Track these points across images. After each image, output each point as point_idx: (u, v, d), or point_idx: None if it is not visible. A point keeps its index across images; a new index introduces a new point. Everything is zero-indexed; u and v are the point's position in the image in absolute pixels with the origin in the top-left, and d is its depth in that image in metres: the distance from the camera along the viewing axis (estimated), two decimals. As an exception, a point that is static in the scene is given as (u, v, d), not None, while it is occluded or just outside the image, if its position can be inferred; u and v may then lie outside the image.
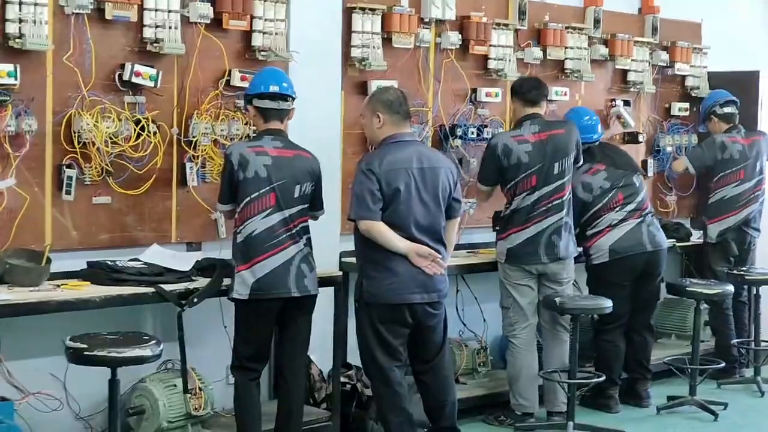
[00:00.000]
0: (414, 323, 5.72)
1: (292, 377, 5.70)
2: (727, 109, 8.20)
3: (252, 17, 6.17)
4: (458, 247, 7.06)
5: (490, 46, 7.41)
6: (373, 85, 6.73)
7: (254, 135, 5.85)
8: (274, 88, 5.60)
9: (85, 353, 4.72)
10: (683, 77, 8.93)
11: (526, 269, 6.66)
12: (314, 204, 5.70)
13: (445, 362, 5.94)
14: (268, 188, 5.47)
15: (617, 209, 7.09)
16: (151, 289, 5.42)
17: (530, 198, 6.58)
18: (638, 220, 7.15)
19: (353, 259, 6.62)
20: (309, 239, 5.65)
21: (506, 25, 7.48)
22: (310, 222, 5.71)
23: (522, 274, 6.67)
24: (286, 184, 5.50)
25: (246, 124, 6.14)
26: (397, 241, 5.61)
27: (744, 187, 8.09)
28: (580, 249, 7.03)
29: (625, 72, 8.43)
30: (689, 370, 7.34)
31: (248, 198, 5.46)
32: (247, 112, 5.79)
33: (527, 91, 6.71)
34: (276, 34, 6.25)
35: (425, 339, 5.82)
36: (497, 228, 7.16)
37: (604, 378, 6.82)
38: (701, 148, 8.29)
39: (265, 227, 5.47)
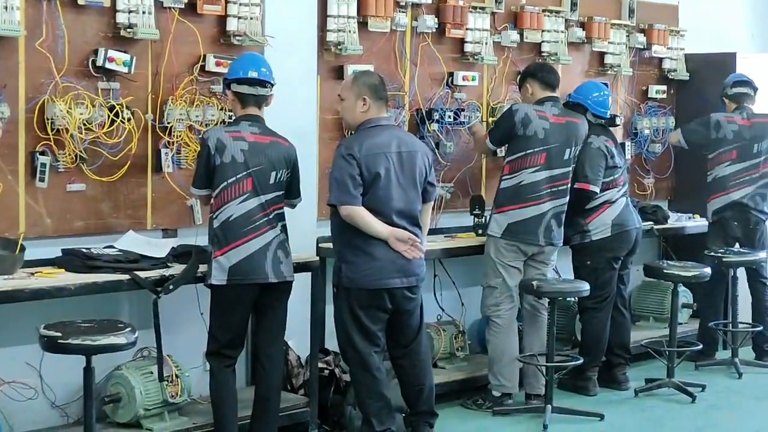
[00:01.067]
0: (393, 308, 5.71)
1: (269, 363, 5.68)
2: (737, 90, 8.19)
3: (227, 2, 6.13)
4: (436, 231, 7.07)
5: (467, 29, 7.38)
6: (349, 69, 6.70)
7: (231, 120, 5.82)
8: (252, 74, 5.57)
9: (59, 341, 4.69)
10: (660, 60, 8.94)
11: (521, 249, 6.67)
12: (291, 191, 5.68)
13: (423, 347, 5.94)
14: (245, 173, 5.44)
15: (619, 188, 7.17)
16: (126, 277, 5.39)
17: (538, 175, 6.64)
18: (625, 198, 7.26)
19: (330, 245, 6.61)
20: (284, 226, 5.64)
21: (483, 8, 7.45)
22: (287, 210, 5.69)
23: (515, 255, 6.69)
24: (262, 170, 5.49)
25: (221, 109, 6.11)
26: (377, 226, 5.59)
27: (735, 168, 8.08)
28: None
29: (602, 54, 8.43)
30: (667, 352, 7.37)
31: (225, 183, 5.44)
32: (225, 96, 5.78)
33: (547, 74, 6.87)
34: (251, 18, 6.20)
35: (403, 323, 5.81)
36: (476, 212, 7.18)
37: (581, 361, 6.84)
38: (695, 124, 8.29)
39: (242, 212, 5.45)
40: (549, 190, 6.67)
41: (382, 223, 5.60)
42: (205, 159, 5.48)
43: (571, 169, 6.79)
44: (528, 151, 6.65)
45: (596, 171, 7.02)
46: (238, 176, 5.44)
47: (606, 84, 8.34)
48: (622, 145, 8.57)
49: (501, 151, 7.15)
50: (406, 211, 5.68)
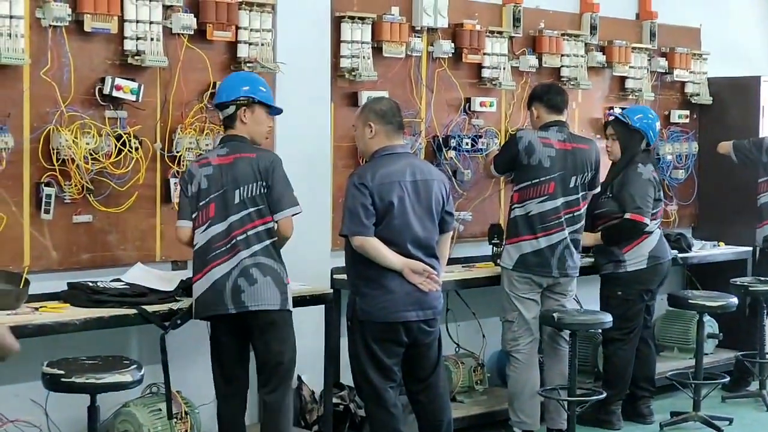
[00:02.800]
0: (409, 341, 5.54)
1: (269, 400, 5.41)
2: None
3: (237, 28, 6.02)
4: (453, 261, 6.90)
5: (484, 54, 7.26)
6: (364, 96, 6.58)
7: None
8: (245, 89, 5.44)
9: (63, 379, 4.58)
10: (683, 84, 8.79)
11: (534, 281, 6.49)
12: (272, 204, 5.33)
13: (440, 380, 5.76)
14: (207, 200, 5.27)
15: (658, 219, 7.06)
16: (133, 311, 5.25)
17: (547, 205, 6.44)
18: (661, 230, 7.13)
19: (345, 276, 6.48)
20: (263, 249, 5.30)
21: (500, 32, 7.33)
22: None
23: (529, 287, 6.51)
24: (223, 193, 5.27)
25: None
26: (391, 257, 5.43)
27: None
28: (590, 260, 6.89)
29: (623, 79, 8.29)
30: (693, 384, 7.17)
31: (195, 213, 5.30)
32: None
33: (554, 96, 6.62)
34: (262, 44, 6.09)
35: (420, 357, 5.64)
36: (495, 241, 7.01)
37: (604, 395, 6.65)
38: (749, 143, 8.13)
39: (203, 241, 5.28)
40: (558, 220, 6.47)
41: (395, 254, 5.44)
42: (181, 191, 5.40)
43: (581, 195, 6.56)
44: (534, 181, 6.45)
45: (647, 202, 6.87)
46: (200, 204, 5.28)
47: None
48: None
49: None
50: (421, 242, 5.51)
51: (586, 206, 6.65)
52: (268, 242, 5.31)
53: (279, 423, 5.39)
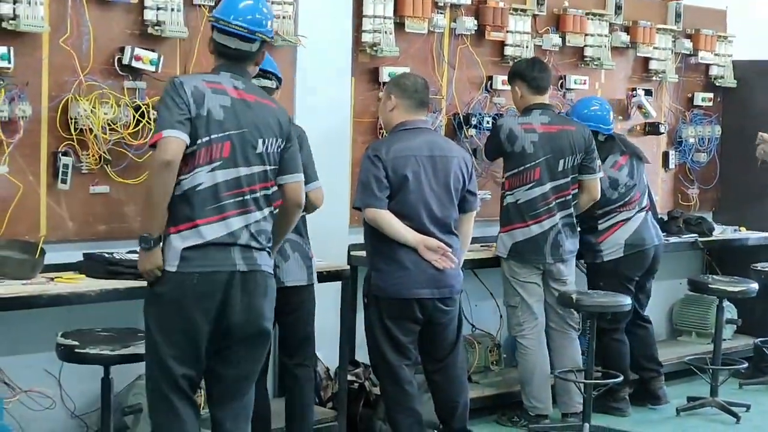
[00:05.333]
0: (424, 319, 5.50)
1: (299, 373, 5.46)
2: None
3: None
4: (471, 240, 6.82)
5: (507, 32, 7.17)
6: (385, 71, 6.54)
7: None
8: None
9: (76, 350, 4.52)
10: (707, 66, 8.68)
11: (533, 265, 6.42)
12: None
13: (458, 361, 5.72)
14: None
15: (635, 207, 6.88)
16: (148, 283, 5.20)
17: (534, 191, 6.35)
18: (644, 214, 6.99)
19: (362, 253, 6.42)
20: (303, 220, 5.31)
21: (524, 10, 7.24)
22: (319, 211, 5.39)
23: (529, 270, 6.44)
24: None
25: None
26: (404, 232, 5.38)
27: None
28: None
29: (646, 60, 8.19)
30: (710, 370, 7.11)
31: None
32: None
33: (538, 74, 6.47)
34: (283, 17, 6.01)
35: (436, 336, 5.59)
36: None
37: (621, 378, 6.59)
38: None
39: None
40: (548, 206, 6.38)
41: (410, 229, 5.39)
42: None
43: (570, 179, 6.44)
44: (520, 168, 6.35)
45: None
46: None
47: (650, 91, 8.17)
48: (666, 154, 8.41)
49: None
50: (437, 218, 5.46)
51: (577, 189, 6.52)
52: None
53: (306, 395, 5.47)
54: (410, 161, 5.39)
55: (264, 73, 5.28)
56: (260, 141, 4.34)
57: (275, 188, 4.46)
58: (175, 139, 4.17)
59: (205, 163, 4.24)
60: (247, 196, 4.32)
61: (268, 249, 4.42)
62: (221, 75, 4.39)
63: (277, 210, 4.52)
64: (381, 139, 5.75)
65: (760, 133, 7.97)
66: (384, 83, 6.58)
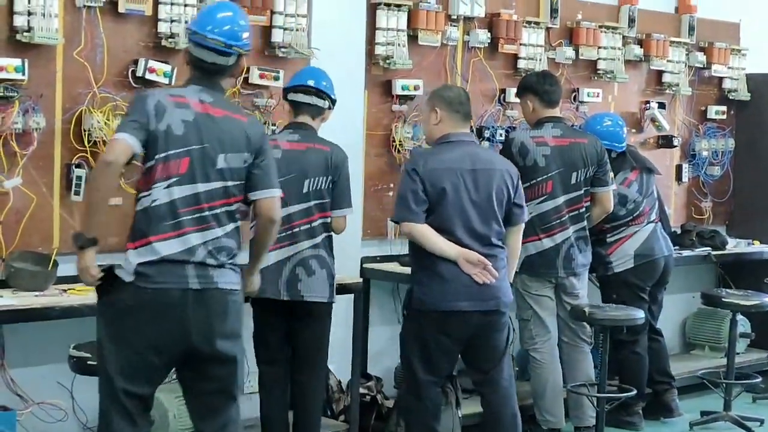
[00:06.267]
0: (466, 333, 5.37)
1: (300, 390, 5.52)
2: None
3: (272, 12, 5.98)
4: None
5: (521, 44, 7.17)
6: (398, 84, 6.55)
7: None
8: (309, 83, 5.43)
9: (89, 362, 4.54)
10: (720, 79, 8.66)
11: (545, 279, 6.40)
12: (337, 200, 5.42)
13: (504, 373, 5.55)
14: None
15: (644, 221, 6.87)
16: (161, 295, 5.20)
17: (547, 205, 6.31)
18: (653, 225, 6.96)
19: (374, 266, 6.43)
20: (325, 240, 5.39)
21: (537, 23, 7.24)
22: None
23: (541, 284, 6.40)
24: (291, 179, 5.27)
25: (264, 123, 5.94)
26: (443, 245, 5.28)
27: None
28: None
29: (660, 73, 8.17)
30: (724, 384, 7.08)
31: None
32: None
33: (549, 89, 6.40)
34: (297, 30, 6.04)
35: (480, 348, 5.47)
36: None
37: (634, 392, 6.56)
38: None
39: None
40: (560, 220, 6.33)
41: (449, 242, 5.29)
42: None
43: (583, 192, 6.38)
44: (532, 181, 6.28)
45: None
46: None
47: (663, 104, 8.15)
48: (679, 167, 8.39)
49: None
50: (478, 232, 5.34)
51: (589, 202, 6.46)
52: (325, 235, 5.38)
53: (317, 407, 5.52)
54: (449, 174, 5.30)
55: (317, 92, 5.35)
56: (221, 156, 4.23)
57: (238, 204, 4.34)
58: (122, 142, 4.10)
59: (162, 179, 4.16)
60: (206, 213, 4.21)
61: (230, 266, 4.28)
62: (189, 88, 4.32)
63: (253, 226, 4.50)
64: (421, 150, 5.70)
65: None
66: (397, 96, 6.61)
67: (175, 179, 4.17)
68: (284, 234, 5.24)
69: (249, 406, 5.95)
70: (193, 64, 4.37)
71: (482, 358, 5.49)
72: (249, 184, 4.34)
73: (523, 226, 5.61)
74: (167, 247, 4.15)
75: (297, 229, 5.30)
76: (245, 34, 4.38)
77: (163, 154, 4.16)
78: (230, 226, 4.28)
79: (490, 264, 5.31)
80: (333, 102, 5.52)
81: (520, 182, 5.54)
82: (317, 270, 5.35)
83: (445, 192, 5.27)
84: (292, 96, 5.46)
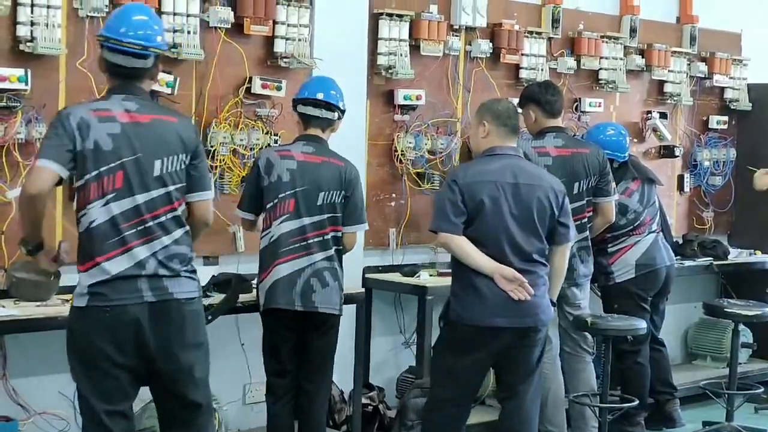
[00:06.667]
0: (500, 348, 5.26)
1: (308, 399, 5.49)
2: None
3: (275, 22, 5.99)
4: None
5: (522, 55, 7.18)
6: (400, 94, 6.56)
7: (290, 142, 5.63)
8: (319, 95, 5.41)
9: (91, 373, 4.50)
10: (722, 89, 8.67)
11: None
12: (346, 216, 5.39)
13: (530, 393, 5.41)
14: (288, 193, 5.27)
15: (645, 231, 6.86)
16: (163, 306, 5.19)
17: None
18: (655, 235, 6.94)
19: (377, 276, 6.41)
20: (337, 252, 5.39)
21: (539, 33, 7.25)
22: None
23: None
24: (308, 191, 5.29)
25: (267, 133, 5.97)
26: (479, 258, 5.17)
27: None
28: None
29: (661, 83, 8.19)
30: (726, 394, 7.07)
31: (270, 203, 5.27)
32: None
33: (551, 99, 6.35)
34: (299, 40, 6.04)
35: (510, 364, 5.36)
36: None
37: (636, 402, 6.55)
38: None
39: (278, 234, 5.27)
40: None
41: (485, 256, 5.17)
42: (253, 179, 5.34)
43: (585, 202, 6.32)
44: None
45: None
46: (280, 196, 5.26)
47: (664, 114, 8.16)
48: (681, 177, 8.39)
49: None
50: (517, 247, 5.20)
51: (591, 212, 6.42)
52: (336, 248, 5.38)
53: (323, 416, 5.52)
54: (488, 186, 5.19)
55: (326, 105, 5.36)
56: (158, 162, 4.14)
57: (182, 207, 4.27)
58: (46, 170, 4.03)
59: (98, 197, 4.09)
60: (150, 223, 4.14)
61: (186, 273, 4.23)
62: (111, 99, 4.20)
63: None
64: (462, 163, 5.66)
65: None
66: (399, 106, 6.61)
67: (111, 195, 4.09)
68: (298, 245, 5.25)
69: (252, 416, 6.02)
70: (110, 71, 4.23)
71: (512, 373, 5.37)
72: (185, 186, 4.28)
73: (568, 246, 5.46)
74: (116, 265, 4.09)
75: (311, 241, 5.29)
76: (159, 37, 4.29)
77: (94, 173, 4.08)
78: (178, 232, 4.21)
79: (526, 281, 5.17)
80: (342, 112, 5.50)
81: (566, 201, 5.39)
82: (330, 282, 5.35)
83: (483, 204, 5.16)
84: (301, 108, 5.43)
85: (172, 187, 4.19)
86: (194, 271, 4.29)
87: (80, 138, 4.05)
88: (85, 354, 4.15)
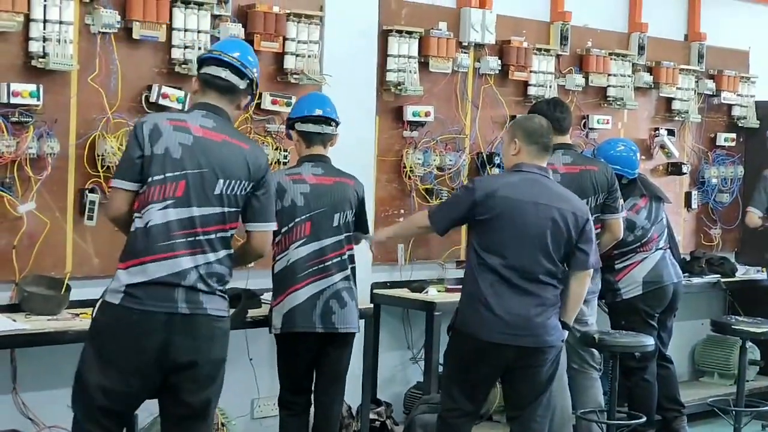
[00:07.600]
0: (502, 364, 5.21)
1: (322, 412, 5.51)
2: None
3: (284, 39, 6.02)
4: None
5: (531, 71, 7.21)
6: (409, 110, 6.59)
7: (296, 164, 5.60)
8: (317, 112, 5.43)
9: (101, 387, 4.51)
10: (730, 106, 8.69)
11: None
12: (357, 229, 5.51)
13: (538, 414, 5.32)
14: (305, 217, 5.29)
15: (652, 248, 6.86)
16: (173, 321, 5.20)
17: None
18: (662, 252, 6.93)
19: (385, 291, 6.42)
20: (353, 271, 5.43)
21: (548, 50, 7.28)
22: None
23: None
24: (324, 213, 5.32)
25: (276, 149, 5.98)
26: (394, 227, 5.74)
27: None
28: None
29: (669, 100, 8.21)
30: (733, 411, 7.06)
31: (285, 227, 5.27)
32: (290, 138, 5.60)
33: (560, 116, 6.27)
34: (309, 56, 6.07)
35: (517, 384, 5.30)
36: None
37: (644, 419, 6.55)
38: (760, 192, 7.95)
39: (297, 257, 5.29)
40: None
41: (397, 226, 5.91)
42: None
43: (595, 218, 6.14)
44: None
45: None
46: (296, 220, 5.28)
47: (672, 131, 8.17)
48: (688, 194, 8.40)
49: None
50: (520, 265, 5.10)
51: (600, 229, 6.33)
52: (352, 266, 5.43)
53: (336, 425, 5.54)
54: (505, 201, 5.12)
55: (326, 120, 5.41)
56: (220, 182, 4.20)
57: (233, 231, 4.29)
58: (119, 192, 4.20)
59: (158, 200, 4.14)
60: (200, 237, 4.17)
61: (220, 293, 4.25)
62: (192, 113, 4.30)
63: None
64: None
65: None
66: (408, 122, 6.63)
67: (171, 201, 4.15)
68: (316, 267, 5.28)
69: (260, 430, 6.03)
70: (205, 82, 4.34)
71: (517, 393, 5.30)
72: (245, 214, 4.33)
73: (587, 273, 5.32)
74: (159, 269, 4.12)
75: (330, 262, 5.32)
76: (255, 70, 4.43)
77: (159, 176, 4.15)
78: (223, 253, 4.25)
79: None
80: (337, 124, 5.52)
81: (589, 227, 5.27)
82: (348, 301, 5.37)
83: (497, 217, 5.12)
84: (301, 126, 5.44)
85: (227, 209, 4.23)
86: (226, 293, 4.33)
87: (149, 143, 4.16)
88: (104, 347, 4.16)
